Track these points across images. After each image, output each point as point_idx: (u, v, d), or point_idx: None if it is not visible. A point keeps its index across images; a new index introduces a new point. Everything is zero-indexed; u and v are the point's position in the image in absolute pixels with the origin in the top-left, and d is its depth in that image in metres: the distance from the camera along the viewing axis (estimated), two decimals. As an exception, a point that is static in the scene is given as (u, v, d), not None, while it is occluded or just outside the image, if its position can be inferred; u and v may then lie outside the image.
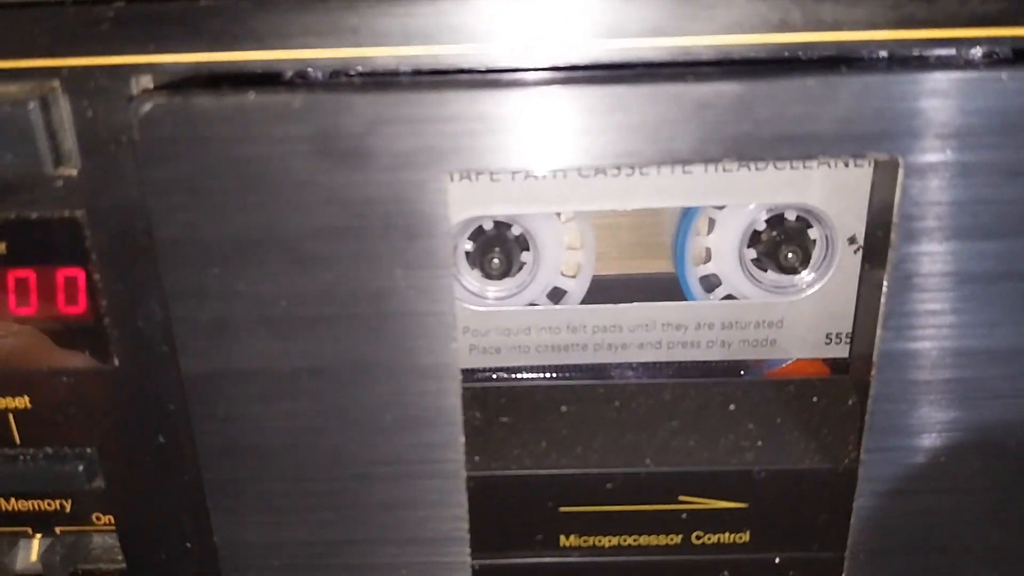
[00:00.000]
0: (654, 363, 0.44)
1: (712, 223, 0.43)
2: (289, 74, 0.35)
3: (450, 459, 0.38)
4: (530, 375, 0.45)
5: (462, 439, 0.37)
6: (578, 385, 0.42)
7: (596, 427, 0.40)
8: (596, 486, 0.39)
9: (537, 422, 0.41)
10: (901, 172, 0.33)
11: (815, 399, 0.41)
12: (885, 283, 0.35)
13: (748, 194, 0.41)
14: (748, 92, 0.32)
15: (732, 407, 0.40)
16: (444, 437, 0.37)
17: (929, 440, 0.37)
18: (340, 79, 0.34)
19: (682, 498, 0.39)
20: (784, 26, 0.33)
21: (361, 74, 0.35)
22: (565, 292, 0.44)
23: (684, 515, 0.40)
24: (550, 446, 0.40)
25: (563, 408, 0.40)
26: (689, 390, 0.41)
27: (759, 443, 0.40)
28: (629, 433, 0.40)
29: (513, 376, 0.45)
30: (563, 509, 0.40)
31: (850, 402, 0.41)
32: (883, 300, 0.35)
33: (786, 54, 0.33)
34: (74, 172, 0.35)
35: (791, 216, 0.43)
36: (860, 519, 0.39)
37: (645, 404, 0.41)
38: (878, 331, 0.36)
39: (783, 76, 0.32)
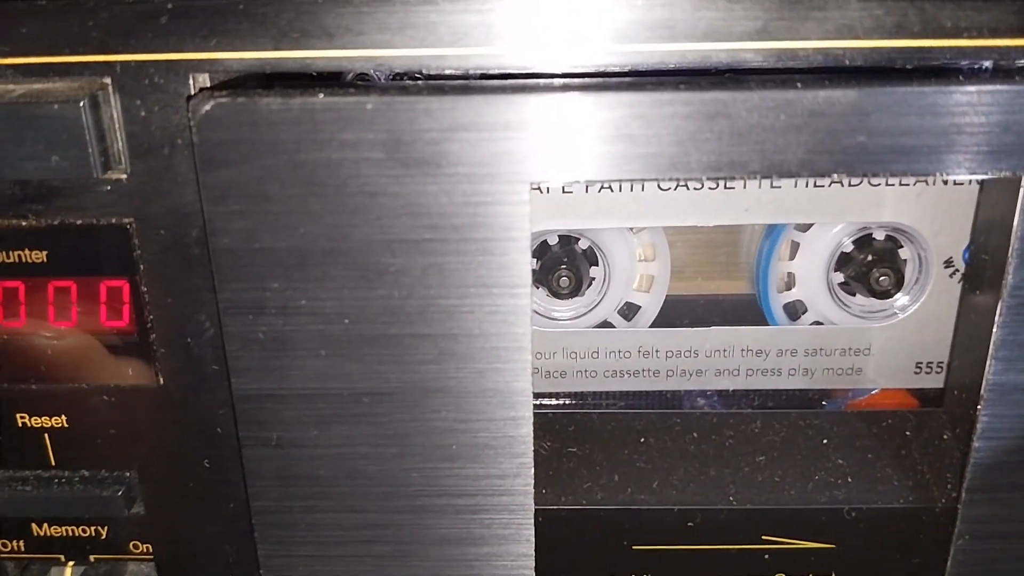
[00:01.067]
0: (730, 391, 0.42)
1: (796, 247, 0.41)
2: (350, 75, 0.33)
3: (518, 491, 0.35)
4: (596, 401, 0.42)
5: (532, 470, 0.35)
6: (654, 414, 0.39)
7: (673, 460, 0.37)
8: (674, 524, 0.36)
9: (609, 453, 0.38)
10: (1023, 191, 0.31)
11: (908, 433, 0.38)
12: (999, 310, 0.32)
13: (837, 212, 0.38)
14: (863, 100, 0.29)
15: (824, 441, 0.37)
16: (513, 468, 0.35)
17: (1040, 480, 0.34)
18: (406, 81, 0.32)
19: (765, 537, 0.37)
20: (900, 31, 0.30)
21: (428, 76, 0.32)
22: (639, 308, 0.42)
23: (767, 556, 0.37)
24: (624, 479, 0.37)
25: (639, 439, 0.38)
26: (773, 421, 0.38)
27: (849, 480, 0.37)
28: (710, 467, 0.37)
29: (579, 402, 0.42)
30: (637, 547, 0.37)
31: (945, 436, 0.38)
32: (996, 329, 0.32)
33: (900, 62, 0.31)
34: (123, 176, 0.32)
35: (881, 236, 0.40)
36: (958, 563, 0.36)
37: (726, 436, 0.38)
38: (988, 361, 0.33)
39: (900, 84, 0.30)
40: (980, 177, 0.34)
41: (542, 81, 0.32)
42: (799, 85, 0.29)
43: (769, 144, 0.30)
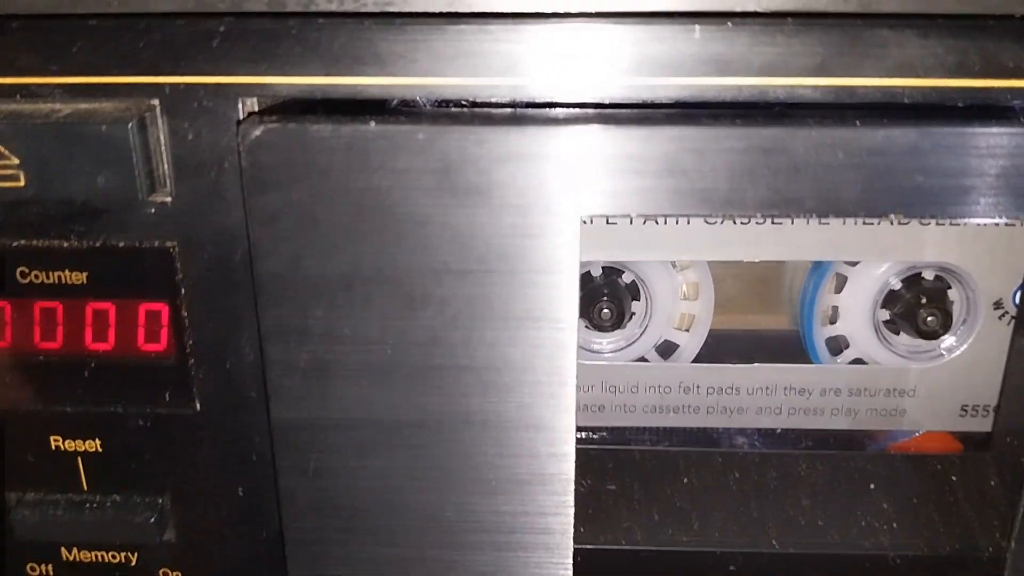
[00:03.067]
0: (770, 430, 0.41)
1: (843, 280, 0.40)
2: (395, 102, 0.33)
3: (557, 529, 0.34)
4: (634, 436, 0.42)
5: (572, 508, 0.34)
6: (695, 452, 0.39)
7: (715, 500, 0.37)
8: (715, 566, 0.35)
9: (649, 491, 0.37)
10: (1083, 234, 0.30)
11: (954, 478, 0.37)
12: (1055, 355, 0.32)
13: (885, 250, 0.38)
14: (923, 139, 0.29)
15: (868, 483, 0.37)
16: (553, 505, 0.34)
17: (1095, 532, 0.33)
18: (451, 108, 0.32)
19: (807, 582, 0.36)
20: (961, 70, 0.30)
21: (474, 104, 0.32)
22: (677, 347, 0.41)
23: (808, 601, 0.36)
24: (664, 519, 0.36)
25: (680, 477, 0.37)
26: (816, 462, 0.38)
27: (894, 525, 0.36)
28: (752, 508, 0.36)
29: (616, 437, 0.42)
30: (676, 589, 0.36)
31: (993, 482, 0.37)
32: (1050, 374, 0.32)
33: (960, 101, 0.30)
34: (168, 199, 0.32)
35: (929, 276, 0.39)
36: (1005, 614, 0.35)
37: (769, 476, 0.37)
38: (1042, 407, 0.32)
39: (960, 124, 0.29)
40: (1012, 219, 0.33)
41: (596, 111, 0.31)
42: (858, 123, 0.29)
43: (826, 182, 0.29)
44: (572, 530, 0.34)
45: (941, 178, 0.29)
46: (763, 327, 0.41)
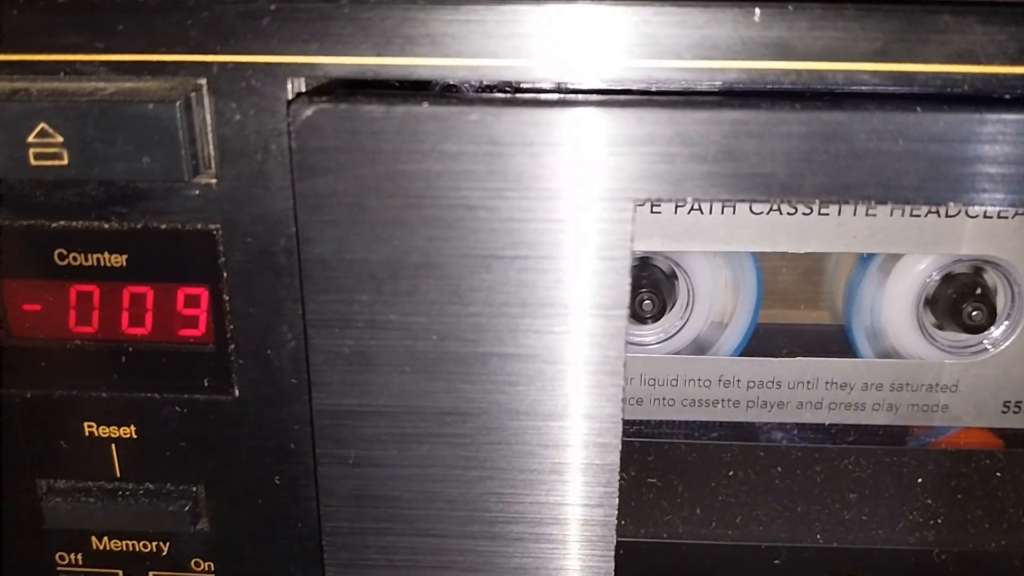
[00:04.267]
0: (809, 424, 0.40)
1: (886, 273, 0.40)
2: (438, 86, 0.32)
3: (600, 522, 0.34)
4: (673, 430, 0.41)
5: (616, 500, 0.33)
6: (737, 446, 0.38)
7: (758, 494, 0.36)
8: (758, 561, 0.35)
9: (691, 485, 0.37)
10: None
11: (999, 474, 0.37)
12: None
13: (932, 243, 0.37)
14: (984, 127, 0.28)
15: (914, 478, 0.36)
16: (596, 497, 0.33)
17: None
18: (495, 93, 0.31)
19: (852, 578, 0.35)
20: (1023, 58, 0.29)
21: (518, 88, 0.31)
22: (718, 339, 0.41)
23: (852, 597, 0.36)
24: (706, 513, 0.36)
25: (723, 471, 0.36)
26: (860, 458, 0.37)
27: (939, 520, 0.36)
28: (796, 503, 0.36)
29: (655, 430, 0.41)
30: (718, 583, 0.36)
31: (1038, 479, 0.37)
32: (1104, 369, 0.32)
33: (1021, 89, 0.30)
34: (212, 181, 0.31)
35: (974, 269, 0.39)
36: (1052, 612, 0.35)
37: (813, 471, 0.37)
38: (1095, 403, 0.32)
39: (1021, 111, 0.29)
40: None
41: (653, 96, 0.31)
42: (919, 109, 0.29)
43: (886, 168, 0.29)
44: (615, 522, 0.34)
45: (1000, 166, 0.29)
46: (806, 321, 0.41)
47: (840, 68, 0.29)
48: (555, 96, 0.31)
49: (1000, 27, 0.29)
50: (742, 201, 0.31)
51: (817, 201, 0.29)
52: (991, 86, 0.29)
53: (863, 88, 0.29)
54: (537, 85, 0.31)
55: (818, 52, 0.29)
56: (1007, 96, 0.29)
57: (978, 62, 0.29)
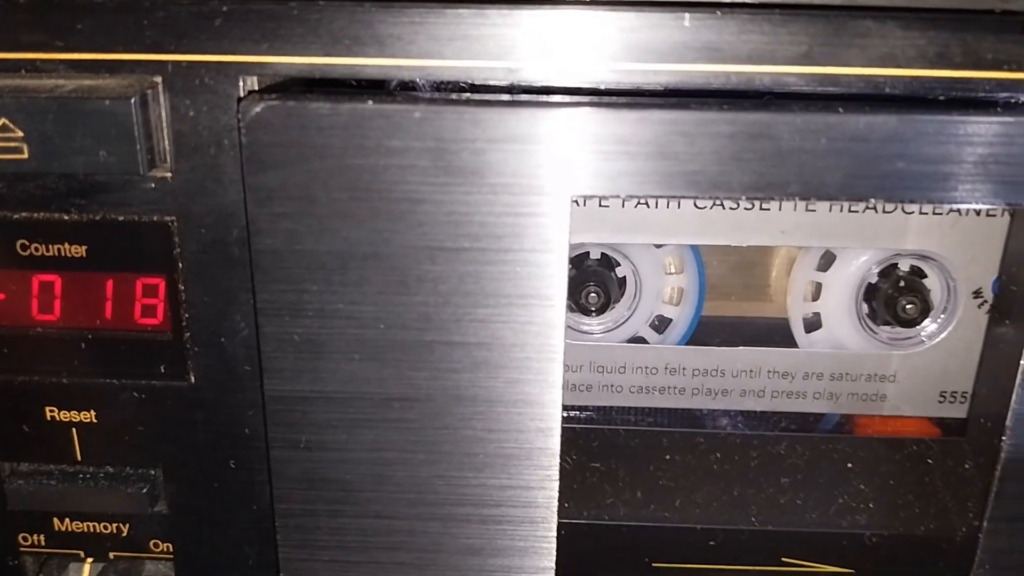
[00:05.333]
0: (753, 412, 0.42)
1: (827, 268, 0.41)
2: (394, 85, 0.33)
3: (542, 504, 0.35)
4: (621, 416, 0.42)
5: (557, 483, 0.35)
6: (678, 433, 0.39)
7: (697, 478, 0.38)
8: (695, 542, 0.36)
9: (633, 469, 0.38)
10: (1058, 223, 0.31)
11: (930, 461, 0.38)
12: (1029, 340, 0.33)
13: (869, 238, 0.39)
14: (903, 127, 0.30)
15: (847, 464, 0.38)
16: (538, 480, 0.35)
17: (1064, 512, 0.35)
18: (450, 91, 0.32)
19: (786, 560, 0.37)
20: (942, 61, 0.31)
21: (472, 87, 0.33)
22: (670, 320, 0.42)
23: (786, 578, 0.37)
24: (647, 496, 0.37)
25: (663, 456, 0.38)
26: (797, 444, 0.39)
27: (870, 505, 0.37)
28: (733, 487, 0.37)
29: (604, 416, 0.42)
30: (657, 564, 0.37)
31: (968, 465, 0.38)
32: (1023, 358, 0.33)
33: (940, 92, 0.31)
34: (168, 175, 0.33)
35: (910, 264, 0.40)
36: (977, 593, 0.36)
37: (750, 456, 0.38)
38: (1015, 391, 0.33)
39: (940, 112, 0.30)
40: (1016, 207, 0.34)
41: (588, 96, 0.32)
42: (841, 110, 0.30)
43: (809, 166, 0.30)
44: (557, 504, 0.35)
45: (921, 164, 0.30)
46: (751, 314, 0.42)
47: (767, 71, 0.31)
48: (498, 96, 0.32)
49: (920, 32, 0.30)
50: (673, 197, 0.33)
51: (744, 197, 0.30)
52: (911, 88, 0.31)
53: (790, 90, 0.31)
54: (489, 84, 0.33)
55: (746, 56, 0.31)
56: (926, 97, 0.31)
57: (898, 65, 0.31)
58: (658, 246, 0.41)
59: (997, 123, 0.30)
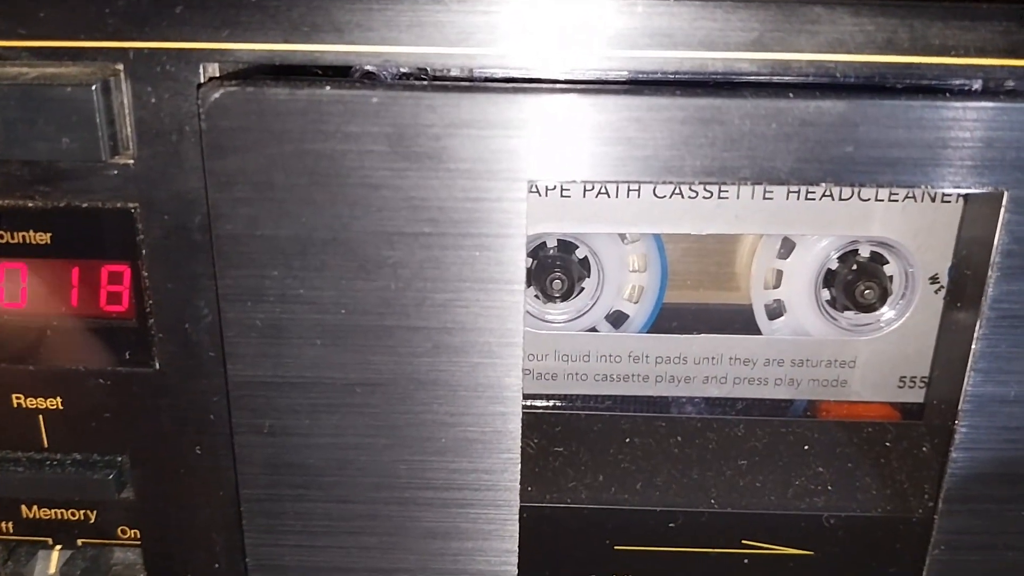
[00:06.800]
0: (716, 399, 0.42)
1: (787, 254, 0.42)
2: (357, 73, 0.34)
3: (504, 487, 0.36)
4: (586, 404, 0.43)
5: (518, 466, 0.35)
6: (639, 417, 0.40)
7: (657, 462, 0.38)
8: (656, 525, 0.37)
9: (594, 453, 0.39)
10: (1004, 206, 0.32)
11: (887, 444, 0.39)
12: (979, 323, 0.33)
13: (827, 225, 0.39)
14: (852, 112, 0.30)
15: (805, 448, 0.38)
16: (500, 463, 0.35)
17: (1016, 492, 0.35)
18: (411, 80, 0.33)
19: (745, 542, 0.37)
20: (890, 47, 0.31)
21: (433, 76, 0.33)
22: (627, 317, 0.43)
23: (746, 560, 0.37)
24: (608, 479, 0.38)
25: (624, 440, 0.38)
26: (756, 428, 0.39)
27: (828, 487, 0.38)
28: (693, 470, 0.37)
29: (569, 404, 0.43)
30: (618, 547, 0.37)
31: (924, 448, 0.39)
32: (975, 342, 0.33)
33: (890, 77, 0.32)
34: (130, 161, 0.33)
35: (868, 250, 0.41)
36: (934, 572, 0.37)
37: (710, 440, 0.39)
38: (967, 373, 0.34)
39: (889, 97, 0.31)
40: (963, 191, 0.35)
41: (543, 84, 0.32)
42: (791, 95, 0.31)
43: (760, 151, 0.31)
44: (519, 488, 0.35)
45: (870, 149, 0.31)
46: (715, 301, 0.43)
47: (719, 57, 0.31)
48: (454, 83, 0.32)
49: (869, 18, 0.31)
50: (626, 182, 0.33)
51: (696, 182, 0.31)
52: (861, 73, 0.31)
53: (742, 76, 0.31)
54: (447, 72, 0.33)
55: (698, 42, 0.31)
56: (876, 83, 0.31)
57: (848, 51, 0.31)
58: (623, 239, 0.41)
59: (944, 107, 0.31)
